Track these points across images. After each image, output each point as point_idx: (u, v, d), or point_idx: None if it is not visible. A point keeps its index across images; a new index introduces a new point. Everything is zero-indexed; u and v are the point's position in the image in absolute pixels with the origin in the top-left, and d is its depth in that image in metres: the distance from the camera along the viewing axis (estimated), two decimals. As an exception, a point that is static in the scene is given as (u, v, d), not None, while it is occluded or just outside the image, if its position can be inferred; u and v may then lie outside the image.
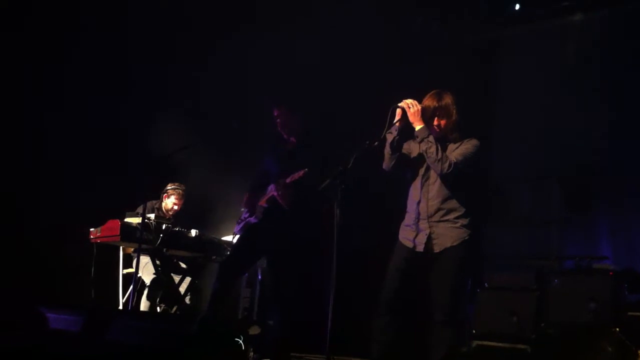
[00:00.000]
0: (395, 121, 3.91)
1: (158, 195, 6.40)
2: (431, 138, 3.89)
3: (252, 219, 4.89)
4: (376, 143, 3.86)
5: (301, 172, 4.53)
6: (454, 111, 4.00)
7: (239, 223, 5.08)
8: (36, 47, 6.14)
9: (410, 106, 3.90)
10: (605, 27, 6.40)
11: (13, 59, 6.03)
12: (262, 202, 4.83)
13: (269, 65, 6.51)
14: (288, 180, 4.60)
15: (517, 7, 6.71)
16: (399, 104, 3.91)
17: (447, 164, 3.86)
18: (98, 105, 6.40)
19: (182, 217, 6.28)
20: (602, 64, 6.32)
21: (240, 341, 5.00)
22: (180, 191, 6.38)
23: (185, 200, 6.41)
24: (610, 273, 5.10)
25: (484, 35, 6.97)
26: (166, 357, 3.46)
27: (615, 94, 6.23)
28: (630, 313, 4.95)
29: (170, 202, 6.35)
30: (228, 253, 5.44)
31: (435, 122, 3.99)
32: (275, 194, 4.65)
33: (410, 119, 3.90)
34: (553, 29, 6.73)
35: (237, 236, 5.09)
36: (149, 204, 6.14)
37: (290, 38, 6.45)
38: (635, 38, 6.10)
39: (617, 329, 4.76)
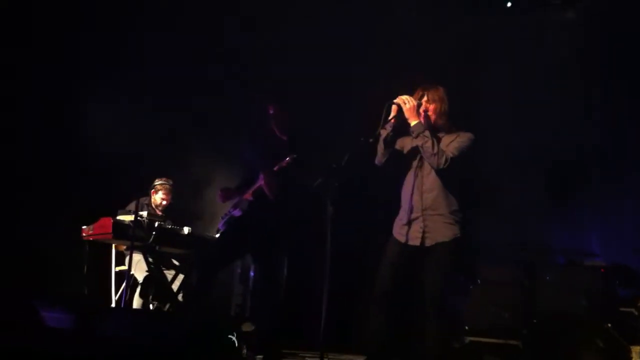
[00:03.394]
0: (390, 117, 3.92)
1: (147, 192, 6.38)
2: (427, 133, 3.89)
3: (236, 212, 4.86)
4: (371, 140, 3.87)
5: (288, 159, 4.53)
6: (443, 99, 4.01)
7: (223, 218, 5.04)
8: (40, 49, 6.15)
9: (406, 102, 3.91)
10: (592, 21, 6.44)
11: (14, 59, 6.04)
12: (248, 196, 4.81)
13: (266, 61, 6.53)
14: (275, 168, 4.60)
15: (509, 4, 6.74)
16: (395, 100, 3.92)
17: (443, 159, 3.86)
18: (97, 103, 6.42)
19: (173, 212, 6.27)
20: (590, 55, 6.37)
21: (234, 338, 5.00)
22: (168, 186, 6.38)
23: (174, 195, 6.41)
24: (602, 270, 5.13)
25: (473, 27, 6.98)
26: (159, 356, 3.45)
27: (601, 87, 6.28)
28: (622, 308, 4.99)
29: (158, 198, 6.35)
30: (209, 247, 5.37)
31: (423, 107, 3.98)
32: (262, 182, 4.63)
33: (406, 114, 3.91)
34: (541, 22, 6.76)
35: (221, 231, 5.05)
36: (139, 200, 6.13)
37: (285, 35, 6.46)
38: (621, 31, 6.16)
39: (609, 325, 4.79)
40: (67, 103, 6.38)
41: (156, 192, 6.38)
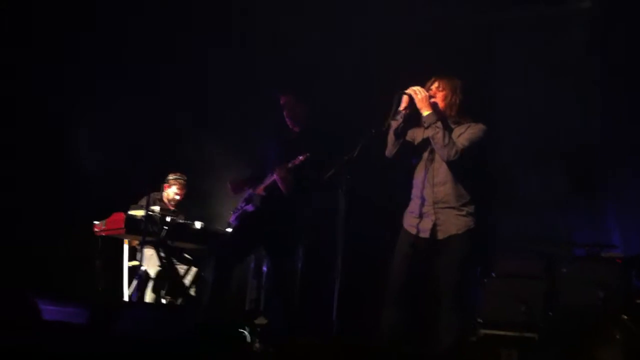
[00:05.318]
0: (401, 108, 3.87)
1: (159, 187, 6.36)
2: (439, 124, 3.82)
3: (249, 207, 4.84)
4: (384, 128, 3.82)
5: (302, 157, 4.50)
6: (455, 91, 3.94)
7: (234, 212, 5.02)
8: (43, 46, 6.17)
9: (417, 92, 3.85)
10: (606, 11, 6.38)
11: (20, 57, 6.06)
12: (260, 191, 4.78)
13: (277, 57, 6.53)
14: (290, 164, 4.56)
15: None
16: (406, 91, 3.87)
17: (453, 151, 3.79)
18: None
19: (185, 207, 6.26)
20: (606, 45, 6.31)
21: (246, 332, 4.99)
22: (182, 181, 6.36)
23: (187, 190, 6.39)
24: (619, 260, 5.07)
25: (486, 17, 6.92)
26: (170, 350, 3.45)
27: (618, 76, 6.22)
28: (638, 300, 4.93)
29: (172, 192, 6.33)
30: (224, 243, 5.37)
31: (432, 92, 3.91)
32: (276, 177, 4.60)
33: (418, 105, 3.85)
34: (554, 11, 6.70)
35: (233, 226, 5.03)
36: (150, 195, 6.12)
37: (296, 30, 6.45)
38: (633, 21, 6.10)
39: (626, 317, 4.74)
40: (67, 103, 6.39)
41: (170, 186, 6.35)
